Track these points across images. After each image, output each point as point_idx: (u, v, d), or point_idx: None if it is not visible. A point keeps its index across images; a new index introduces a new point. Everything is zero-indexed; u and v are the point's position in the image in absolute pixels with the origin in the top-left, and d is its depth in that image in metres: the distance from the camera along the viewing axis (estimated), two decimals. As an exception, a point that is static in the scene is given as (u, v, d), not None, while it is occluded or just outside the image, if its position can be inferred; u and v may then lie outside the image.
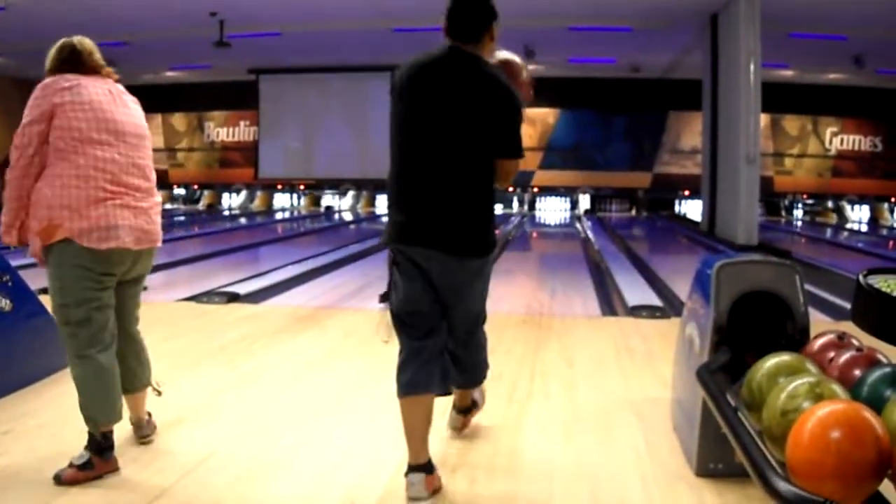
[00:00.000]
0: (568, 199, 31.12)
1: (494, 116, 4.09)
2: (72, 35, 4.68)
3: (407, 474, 4.07)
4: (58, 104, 4.31)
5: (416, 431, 4.11)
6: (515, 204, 30.98)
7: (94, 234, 4.22)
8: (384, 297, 4.38)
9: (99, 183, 4.29)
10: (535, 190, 30.68)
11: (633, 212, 30.97)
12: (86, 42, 4.67)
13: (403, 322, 4.28)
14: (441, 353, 4.31)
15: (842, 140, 30.80)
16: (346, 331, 8.11)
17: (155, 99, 30.98)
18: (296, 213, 30.05)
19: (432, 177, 4.09)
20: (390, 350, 6.80)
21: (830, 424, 2.53)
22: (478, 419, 5.12)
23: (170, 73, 29.92)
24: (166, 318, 8.54)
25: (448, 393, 4.57)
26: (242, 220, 26.81)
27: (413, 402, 4.14)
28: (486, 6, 4.34)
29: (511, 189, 30.24)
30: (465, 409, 4.99)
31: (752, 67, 17.55)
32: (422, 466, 4.07)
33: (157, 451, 4.59)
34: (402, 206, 4.17)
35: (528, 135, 30.07)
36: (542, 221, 26.96)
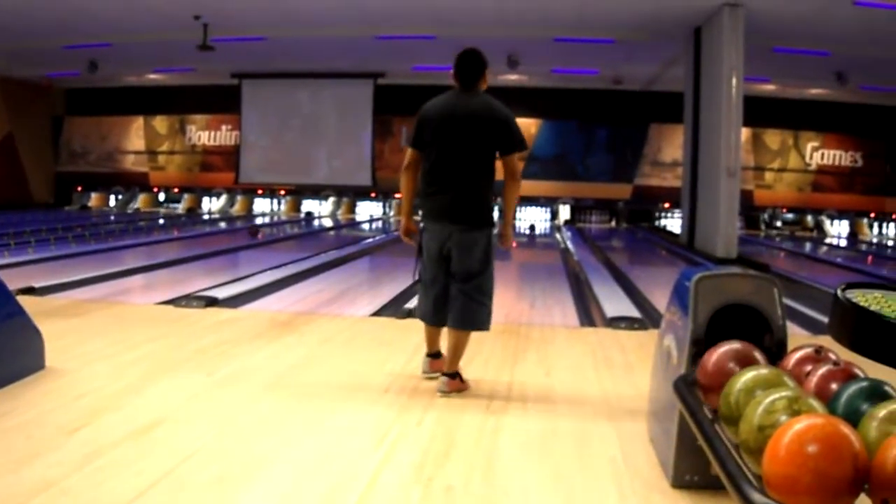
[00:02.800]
0: (548, 209, 31.15)
1: (496, 128, 6.21)
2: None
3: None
4: None
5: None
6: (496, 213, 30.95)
7: None
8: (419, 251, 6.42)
9: None
10: (516, 203, 30.65)
11: (613, 223, 31.03)
12: None
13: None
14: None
15: (822, 155, 30.94)
16: (323, 337, 8.10)
17: (137, 101, 31.11)
18: (276, 219, 29.97)
19: (457, 172, 6.19)
20: (367, 357, 6.81)
21: (807, 439, 2.53)
22: (455, 427, 5.10)
23: (153, 76, 29.83)
24: (145, 320, 8.54)
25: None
26: (222, 225, 26.74)
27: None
28: (480, 62, 6.32)
29: (494, 199, 30.26)
30: (452, 374, 6.17)
31: (734, 81, 17.62)
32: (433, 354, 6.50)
33: (134, 454, 4.57)
34: (435, 194, 6.25)
35: (510, 144, 30.06)
36: (521, 231, 26.94)
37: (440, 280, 6.28)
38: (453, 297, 6.21)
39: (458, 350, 6.20)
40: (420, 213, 6.39)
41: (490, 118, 6.18)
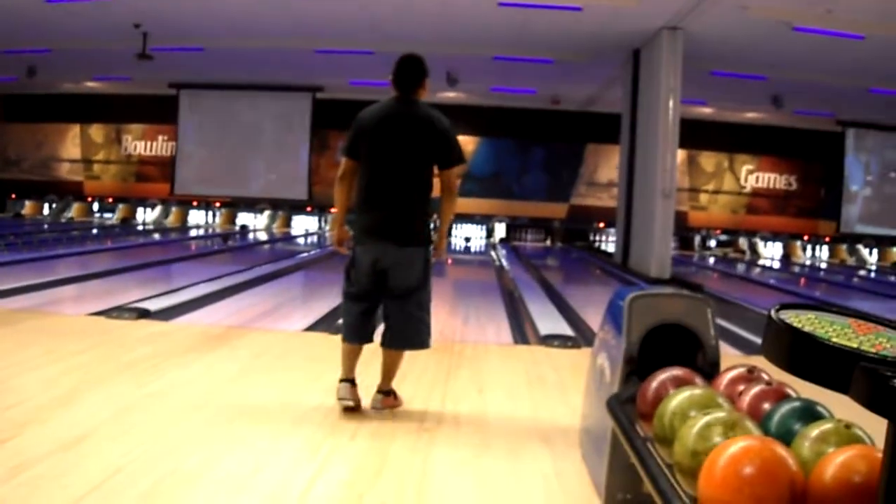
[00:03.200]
0: (484, 227, 31.24)
1: (435, 140, 5.97)
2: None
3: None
4: None
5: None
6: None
7: None
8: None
9: None
10: (452, 217, 30.71)
11: (549, 242, 31.18)
12: None
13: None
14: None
15: (757, 178, 31.36)
16: (256, 351, 8.05)
17: (74, 108, 30.79)
18: (210, 231, 29.80)
19: (394, 188, 5.97)
20: (300, 372, 6.77)
21: (743, 461, 2.54)
22: (388, 444, 5.08)
23: (90, 84, 29.61)
24: (75, 331, 8.42)
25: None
26: (156, 236, 26.54)
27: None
28: (420, 68, 6.09)
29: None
30: (387, 392, 6.09)
31: (671, 103, 17.78)
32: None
33: (61, 468, 4.49)
34: (370, 210, 6.04)
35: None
36: (456, 248, 26.98)
37: (371, 296, 6.06)
38: (391, 316, 6.05)
39: (394, 368, 6.09)
40: (354, 227, 6.14)
41: (429, 129, 5.95)
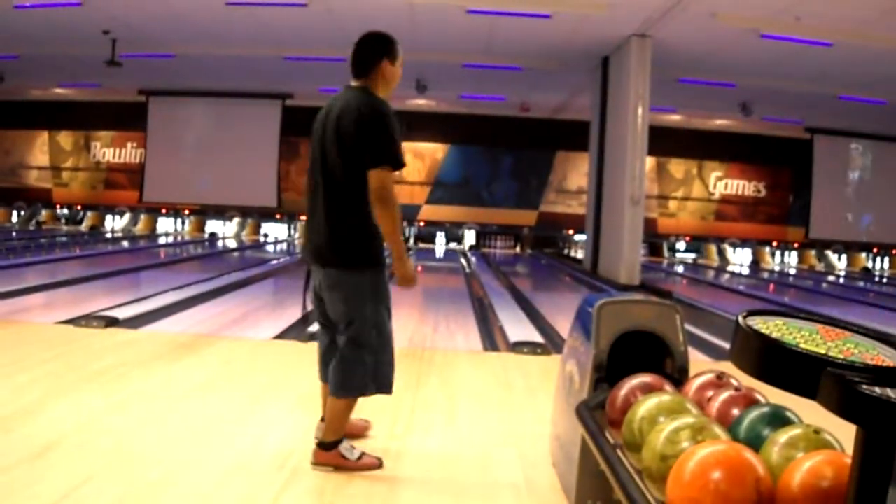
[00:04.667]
0: (453, 234, 31.29)
1: (355, 135, 4.80)
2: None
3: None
4: None
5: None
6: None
7: None
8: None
9: None
10: (422, 224, 30.76)
11: (518, 249, 31.22)
12: None
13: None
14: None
15: (726, 184, 31.52)
16: (224, 359, 8.02)
17: (42, 115, 30.63)
18: (179, 239, 29.69)
19: (314, 197, 5.04)
20: (267, 380, 6.73)
21: (711, 465, 2.55)
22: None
23: (59, 90, 29.44)
24: (43, 340, 8.37)
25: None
26: (125, 244, 26.42)
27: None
28: (369, 46, 5.13)
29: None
30: (324, 444, 4.96)
31: (640, 111, 17.84)
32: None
33: (29, 477, 4.46)
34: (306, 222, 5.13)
35: (417, 169, 30.26)
36: (427, 255, 26.98)
37: (324, 327, 5.30)
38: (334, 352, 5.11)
39: (331, 417, 4.98)
40: None
41: (348, 122, 4.80)
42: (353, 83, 5.05)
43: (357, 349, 4.94)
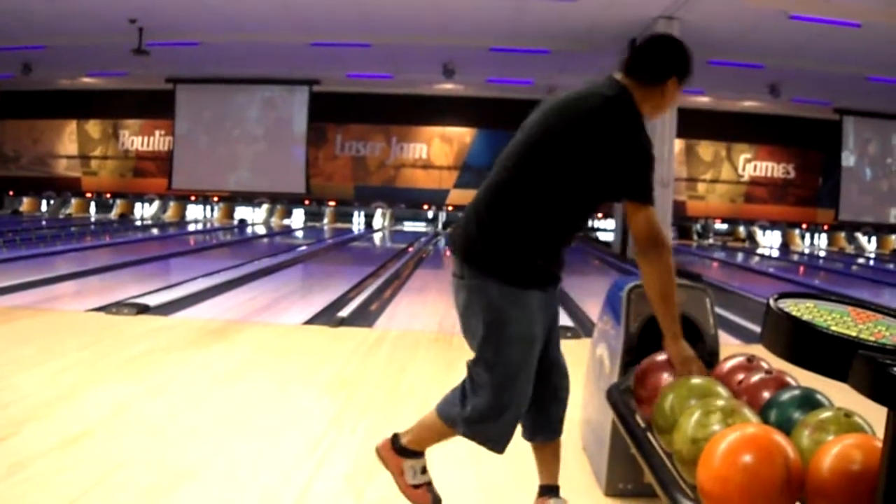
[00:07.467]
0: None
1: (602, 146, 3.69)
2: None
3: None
4: None
5: None
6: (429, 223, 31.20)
7: None
8: None
9: None
10: (450, 209, 30.72)
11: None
12: None
13: None
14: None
15: (755, 166, 31.30)
16: (255, 345, 8.04)
17: (70, 104, 30.64)
18: (209, 226, 29.77)
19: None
20: (297, 366, 6.73)
21: (741, 447, 2.54)
22: (385, 435, 5.05)
23: (86, 79, 29.51)
24: (74, 328, 8.42)
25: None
26: (154, 231, 26.52)
27: None
28: (673, 54, 3.91)
29: (427, 207, 30.59)
30: (397, 442, 4.09)
31: (668, 93, 17.74)
32: None
33: (62, 464, 4.49)
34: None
35: (445, 153, 30.20)
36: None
37: None
38: None
39: (422, 424, 4.11)
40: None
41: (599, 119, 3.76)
42: (620, 78, 3.89)
43: (472, 385, 3.86)
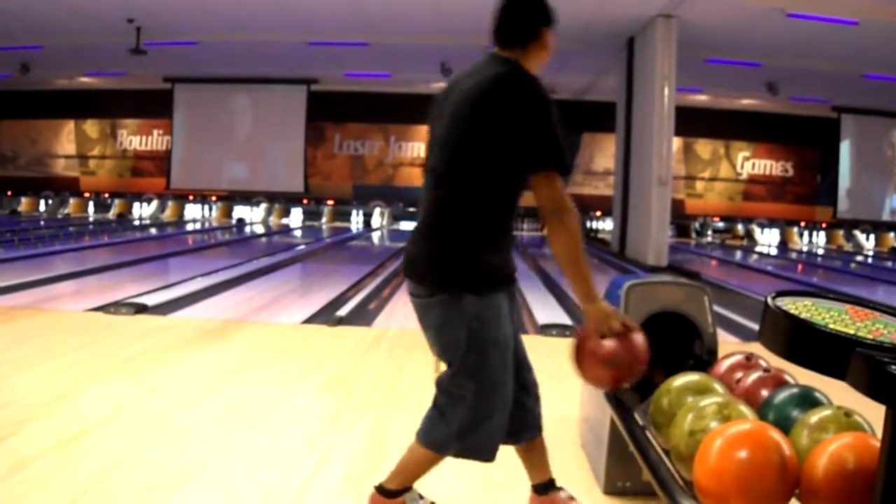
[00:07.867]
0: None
1: (507, 121, 3.60)
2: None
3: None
4: None
5: None
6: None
7: None
8: None
9: None
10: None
11: (544, 231, 31.13)
12: None
13: None
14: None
15: (753, 164, 31.39)
16: (254, 344, 8.04)
17: (68, 104, 30.65)
18: (207, 225, 29.76)
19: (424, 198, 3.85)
20: (296, 365, 6.71)
21: (737, 444, 2.55)
22: (386, 435, 5.06)
23: (84, 79, 29.50)
24: (72, 328, 8.42)
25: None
26: (153, 231, 26.51)
27: None
28: (534, 7, 3.85)
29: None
30: (382, 489, 3.91)
31: (666, 91, 17.76)
32: None
33: (61, 464, 4.49)
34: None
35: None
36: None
37: None
38: None
39: (405, 462, 3.93)
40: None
41: (496, 98, 3.69)
42: (499, 52, 3.88)
43: (450, 400, 3.79)
